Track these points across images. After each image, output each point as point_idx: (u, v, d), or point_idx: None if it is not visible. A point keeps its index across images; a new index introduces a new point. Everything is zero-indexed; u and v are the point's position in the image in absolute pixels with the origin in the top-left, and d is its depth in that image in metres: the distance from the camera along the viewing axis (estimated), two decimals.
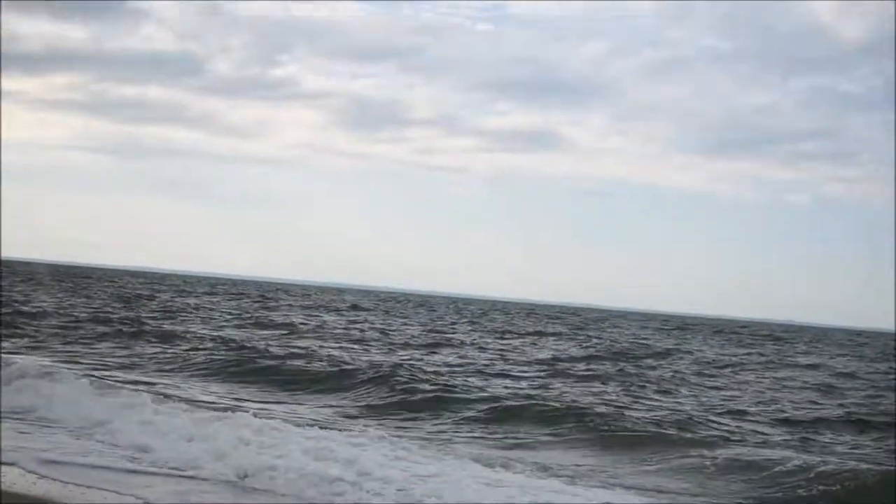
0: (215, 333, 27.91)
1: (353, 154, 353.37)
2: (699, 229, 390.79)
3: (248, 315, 40.80)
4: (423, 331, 39.52)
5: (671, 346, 40.80)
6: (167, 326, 29.22)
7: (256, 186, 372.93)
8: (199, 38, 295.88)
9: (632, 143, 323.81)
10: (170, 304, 45.60)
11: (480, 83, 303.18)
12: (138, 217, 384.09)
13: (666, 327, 77.41)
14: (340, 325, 39.22)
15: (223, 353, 22.00)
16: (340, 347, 26.63)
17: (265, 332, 31.38)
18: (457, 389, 17.80)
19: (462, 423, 14.89)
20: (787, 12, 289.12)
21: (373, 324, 41.92)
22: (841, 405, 20.71)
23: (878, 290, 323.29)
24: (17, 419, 12.42)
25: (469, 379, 20.52)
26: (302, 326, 35.18)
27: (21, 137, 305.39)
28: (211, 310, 43.56)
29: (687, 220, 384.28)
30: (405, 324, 44.90)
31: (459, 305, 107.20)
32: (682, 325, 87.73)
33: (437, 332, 40.01)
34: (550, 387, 20.30)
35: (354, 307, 62.71)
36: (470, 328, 46.25)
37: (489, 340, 36.03)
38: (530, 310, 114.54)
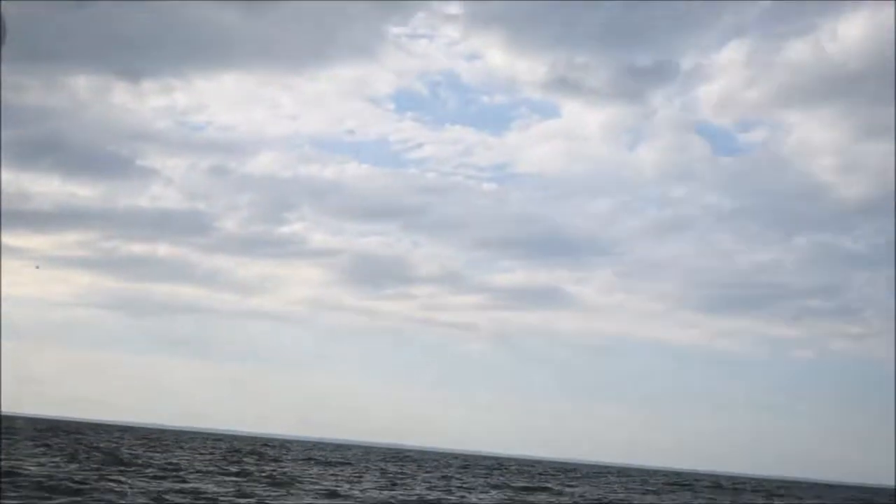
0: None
1: (359, 310, 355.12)
2: (704, 385, 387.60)
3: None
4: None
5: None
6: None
7: (262, 343, 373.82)
8: (207, 198, 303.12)
9: (636, 301, 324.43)
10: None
11: (485, 241, 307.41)
12: (144, 373, 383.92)
13: (651, 484, 76.98)
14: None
15: None
16: None
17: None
18: None
19: None
20: (788, 172, 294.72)
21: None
22: None
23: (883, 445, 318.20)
24: None
25: None
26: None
27: (30, 294, 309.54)
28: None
29: (691, 376, 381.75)
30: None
31: (442, 461, 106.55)
32: (679, 482, 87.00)
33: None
34: None
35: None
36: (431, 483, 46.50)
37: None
38: (531, 466, 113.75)
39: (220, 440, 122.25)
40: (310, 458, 68.85)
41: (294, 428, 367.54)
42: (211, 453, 62.78)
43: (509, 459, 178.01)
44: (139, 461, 41.63)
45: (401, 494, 33.75)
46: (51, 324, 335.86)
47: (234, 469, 41.87)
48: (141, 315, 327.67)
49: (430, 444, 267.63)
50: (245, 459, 56.39)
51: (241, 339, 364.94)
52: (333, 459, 68.37)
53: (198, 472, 37.51)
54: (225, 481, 33.28)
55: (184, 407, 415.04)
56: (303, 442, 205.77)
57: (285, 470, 45.11)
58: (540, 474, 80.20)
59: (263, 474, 38.52)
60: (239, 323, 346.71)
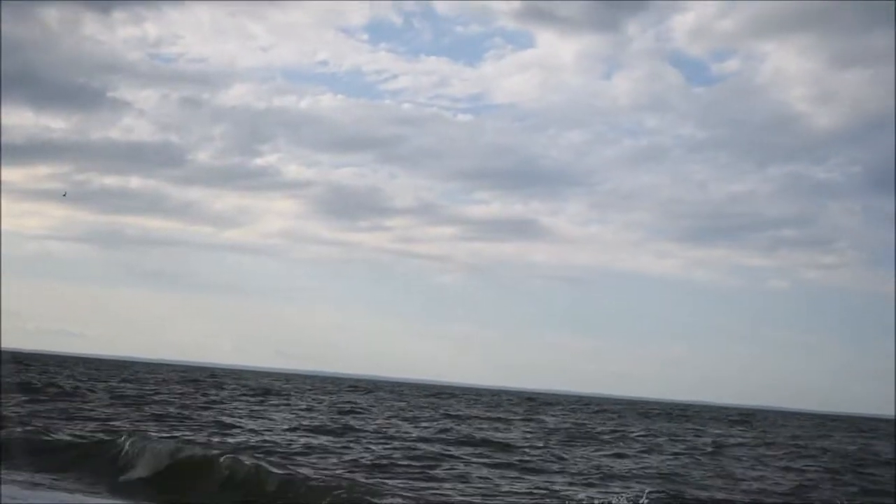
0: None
1: (334, 242, 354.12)
2: (679, 315, 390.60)
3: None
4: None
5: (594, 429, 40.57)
6: None
7: (237, 275, 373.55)
8: (179, 129, 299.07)
9: (611, 231, 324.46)
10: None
11: (460, 172, 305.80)
12: (118, 306, 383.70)
13: (613, 412, 77.03)
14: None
15: None
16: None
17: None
18: None
19: None
20: (762, 102, 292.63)
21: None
22: None
23: (862, 375, 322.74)
24: None
25: None
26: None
27: (4, 227, 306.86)
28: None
29: (666, 306, 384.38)
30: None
31: (405, 391, 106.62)
32: (646, 412, 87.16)
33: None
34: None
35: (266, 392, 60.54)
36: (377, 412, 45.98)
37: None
38: (495, 395, 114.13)
39: (186, 371, 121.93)
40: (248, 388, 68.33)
41: (270, 360, 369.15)
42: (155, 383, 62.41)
43: (482, 390, 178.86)
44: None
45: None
46: (24, 257, 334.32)
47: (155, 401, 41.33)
48: (115, 248, 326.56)
49: (405, 375, 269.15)
50: (176, 388, 55.94)
51: (215, 272, 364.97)
52: (275, 389, 67.78)
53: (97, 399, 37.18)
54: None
55: (159, 339, 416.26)
56: (277, 373, 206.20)
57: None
58: (497, 405, 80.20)
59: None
60: (213, 255, 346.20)
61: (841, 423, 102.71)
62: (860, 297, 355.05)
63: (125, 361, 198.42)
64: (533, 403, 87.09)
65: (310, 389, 75.97)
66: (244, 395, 52.82)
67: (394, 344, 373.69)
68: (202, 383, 68.45)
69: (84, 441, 20.45)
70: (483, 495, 17.13)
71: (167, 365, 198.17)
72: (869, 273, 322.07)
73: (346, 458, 21.45)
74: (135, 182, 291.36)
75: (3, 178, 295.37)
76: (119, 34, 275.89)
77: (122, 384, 55.28)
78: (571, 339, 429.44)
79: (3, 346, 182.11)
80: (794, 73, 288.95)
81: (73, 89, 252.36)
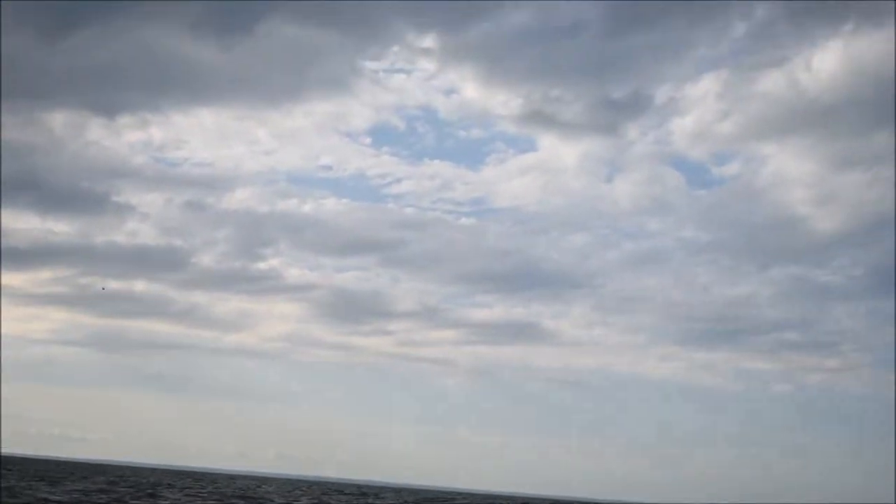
0: None
1: (337, 346, 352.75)
2: (683, 419, 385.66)
3: None
4: None
5: None
6: None
7: (240, 379, 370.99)
8: (183, 233, 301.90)
9: (613, 334, 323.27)
10: None
11: (463, 276, 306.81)
12: (121, 410, 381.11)
13: None
14: None
15: None
16: None
17: None
18: None
19: None
20: (763, 204, 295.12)
21: None
22: None
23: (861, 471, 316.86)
24: None
25: None
26: None
27: (9, 332, 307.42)
28: None
29: (670, 409, 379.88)
30: None
31: (404, 498, 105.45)
32: None
33: None
34: None
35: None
36: None
37: None
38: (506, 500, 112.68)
39: (196, 478, 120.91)
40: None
41: (273, 465, 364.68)
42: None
43: (488, 496, 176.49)
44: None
45: None
46: (29, 361, 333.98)
47: None
48: (118, 351, 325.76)
49: (407, 480, 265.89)
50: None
51: (218, 376, 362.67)
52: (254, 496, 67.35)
53: None
54: None
55: (161, 444, 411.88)
56: (278, 479, 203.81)
57: None
58: None
59: None
60: (216, 359, 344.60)
61: None
62: (863, 399, 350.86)
63: (126, 467, 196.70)
64: None
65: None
66: None
67: (395, 448, 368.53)
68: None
69: None
70: None
71: (170, 471, 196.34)
72: (872, 374, 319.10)
73: None
74: (139, 286, 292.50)
75: (7, 283, 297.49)
76: (124, 139, 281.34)
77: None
78: (573, 442, 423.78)
79: (5, 450, 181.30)
80: (794, 175, 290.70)
81: (78, 193, 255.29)
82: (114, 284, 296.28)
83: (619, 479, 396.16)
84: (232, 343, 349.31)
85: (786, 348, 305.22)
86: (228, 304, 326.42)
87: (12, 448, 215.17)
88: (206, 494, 62.14)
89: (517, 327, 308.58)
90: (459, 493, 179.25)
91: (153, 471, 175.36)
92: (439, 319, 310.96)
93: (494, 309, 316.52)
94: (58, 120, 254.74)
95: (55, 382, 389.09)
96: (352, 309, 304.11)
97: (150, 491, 59.73)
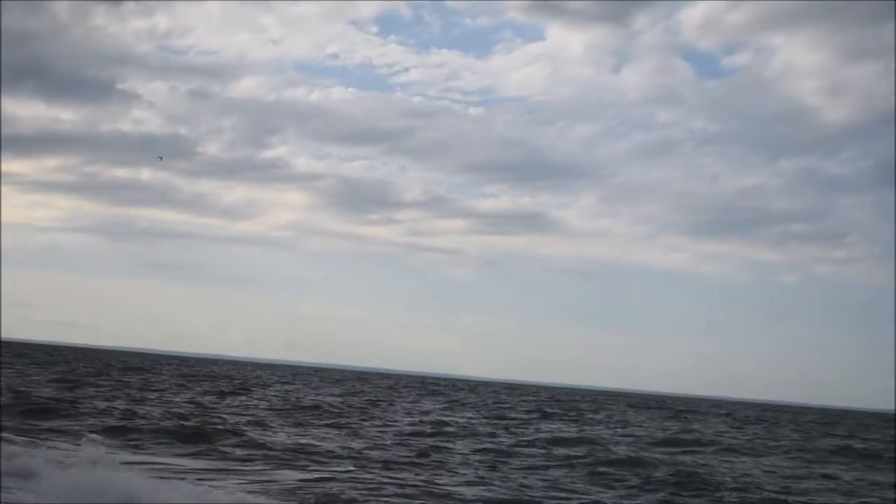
0: None
1: (344, 235, 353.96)
2: (689, 309, 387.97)
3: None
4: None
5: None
6: None
7: (247, 267, 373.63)
8: (189, 122, 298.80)
9: (621, 225, 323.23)
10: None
11: (470, 165, 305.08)
12: (129, 298, 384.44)
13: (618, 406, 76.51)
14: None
15: None
16: None
17: None
18: None
19: None
20: (772, 95, 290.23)
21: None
22: None
23: (873, 370, 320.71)
24: None
25: None
26: None
27: (14, 219, 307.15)
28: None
29: (676, 300, 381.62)
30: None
31: (414, 383, 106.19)
32: (660, 405, 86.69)
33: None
34: None
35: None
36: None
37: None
38: (511, 389, 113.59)
39: (194, 365, 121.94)
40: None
41: (280, 352, 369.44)
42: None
43: (490, 383, 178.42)
44: None
45: None
46: (35, 249, 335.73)
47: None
48: (125, 240, 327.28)
49: (414, 368, 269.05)
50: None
51: (225, 264, 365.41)
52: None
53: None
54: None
55: (170, 331, 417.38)
56: (286, 366, 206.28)
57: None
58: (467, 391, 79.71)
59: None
60: (223, 247, 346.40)
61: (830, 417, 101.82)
62: (871, 291, 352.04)
63: (137, 353, 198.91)
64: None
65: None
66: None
67: (403, 337, 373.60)
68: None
69: None
70: None
71: (178, 357, 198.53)
72: (880, 267, 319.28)
73: None
74: (145, 174, 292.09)
75: (13, 170, 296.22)
76: (129, 26, 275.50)
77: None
78: (581, 333, 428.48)
79: (13, 337, 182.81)
80: (804, 66, 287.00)
81: (83, 81, 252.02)
82: (120, 172, 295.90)
83: (624, 369, 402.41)
84: (239, 231, 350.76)
85: (793, 239, 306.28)
86: (235, 192, 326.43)
87: (20, 335, 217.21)
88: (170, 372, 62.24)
89: (525, 217, 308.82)
90: (467, 380, 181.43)
91: (162, 357, 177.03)
92: (447, 209, 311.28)
93: (502, 199, 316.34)
94: (62, 6, 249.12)
95: (62, 270, 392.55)
96: (359, 198, 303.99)
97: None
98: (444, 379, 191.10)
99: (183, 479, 15.41)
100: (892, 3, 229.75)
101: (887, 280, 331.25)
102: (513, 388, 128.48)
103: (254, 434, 23.56)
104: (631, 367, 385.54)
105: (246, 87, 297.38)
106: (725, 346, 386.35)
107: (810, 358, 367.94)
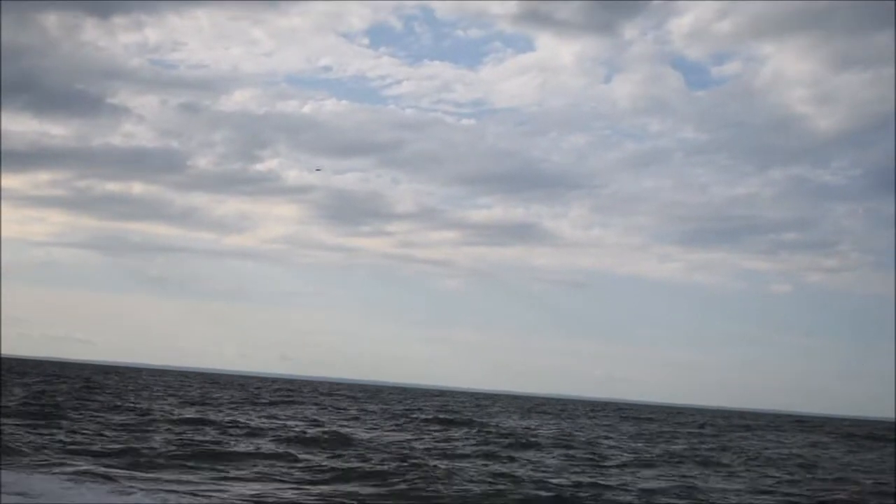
0: None
1: (336, 248, 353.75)
2: (681, 319, 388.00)
3: None
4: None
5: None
6: None
7: (239, 281, 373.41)
8: (180, 135, 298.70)
9: (613, 235, 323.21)
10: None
11: (462, 177, 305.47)
12: (123, 312, 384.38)
13: (605, 417, 76.59)
14: None
15: None
16: None
17: None
18: None
19: None
20: (762, 104, 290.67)
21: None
22: None
23: (864, 378, 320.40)
24: None
25: None
26: None
27: (8, 234, 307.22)
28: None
29: (668, 310, 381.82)
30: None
31: (393, 396, 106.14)
32: (642, 416, 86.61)
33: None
34: None
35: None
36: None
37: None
38: (500, 399, 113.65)
39: (186, 377, 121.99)
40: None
41: (274, 365, 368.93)
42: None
43: (482, 395, 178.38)
44: None
45: None
46: (30, 263, 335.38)
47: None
48: (119, 254, 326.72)
49: (407, 380, 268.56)
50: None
51: (218, 278, 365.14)
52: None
53: None
54: None
55: (164, 346, 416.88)
56: (282, 378, 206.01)
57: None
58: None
59: None
60: (216, 261, 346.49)
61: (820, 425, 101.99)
62: (863, 299, 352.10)
63: (132, 368, 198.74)
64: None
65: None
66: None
67: (396, 349, 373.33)
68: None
69: None
70: None
71: (168, 371, 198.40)
72: (872, 275, 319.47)
73: None
74: (137, 188, 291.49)
75: (5, 185, 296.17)
76: (119, 40, 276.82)
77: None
78: (574, 344, 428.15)
79: (9, 353, 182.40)
80: (794, 74, 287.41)
81: (73, 95, 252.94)
82: (112, 186, 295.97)
83: (618, 380, 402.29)
84: (231, 245, 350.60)
85: (785, 248, 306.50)
86: (227, 206, 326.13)
87: (15, 351, 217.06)
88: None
89: (517, 228, 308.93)
90: (459, 392, 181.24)
91: (156, 371, 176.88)
92: (439, 220, 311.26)
93: (494, 210, 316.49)
94: (52, 21, 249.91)
95: (57, 285, 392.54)
96: (351, 210, 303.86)
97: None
98: (437, 390, 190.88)
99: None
100: (881, 11, 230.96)
101: (880, 288, 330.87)
102: (514, 398, 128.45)
103: None
104: (621, 378, 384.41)
105: (237, 100, 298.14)
106: (717, 356, 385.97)
107: (804, 366, 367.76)
